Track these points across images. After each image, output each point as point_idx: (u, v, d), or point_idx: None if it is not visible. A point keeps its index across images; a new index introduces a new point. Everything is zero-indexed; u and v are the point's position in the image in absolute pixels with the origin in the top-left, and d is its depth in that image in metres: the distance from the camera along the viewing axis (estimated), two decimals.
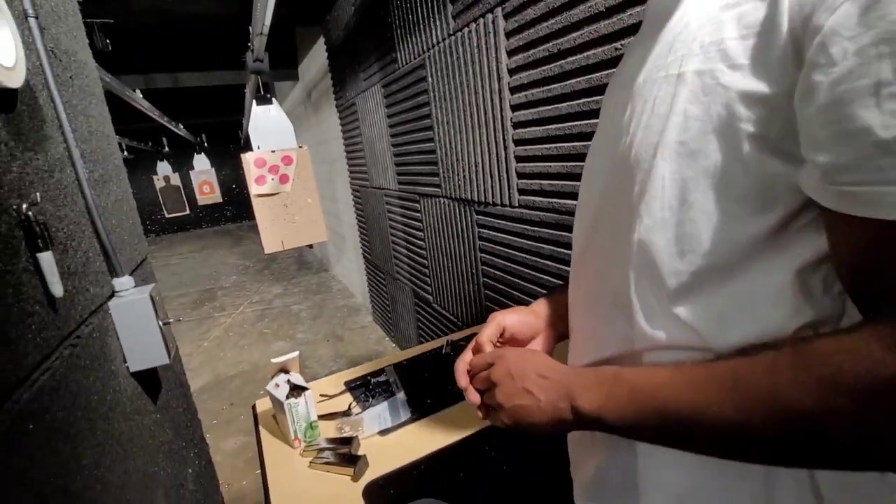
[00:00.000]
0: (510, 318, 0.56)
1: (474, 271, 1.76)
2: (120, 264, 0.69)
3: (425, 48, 1.74)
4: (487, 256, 1.64)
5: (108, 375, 0.60)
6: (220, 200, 8.82)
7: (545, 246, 1.31)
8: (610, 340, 0.43)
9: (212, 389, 2.97)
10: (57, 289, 0.47)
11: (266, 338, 3.73)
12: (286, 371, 0.98)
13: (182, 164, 9.29)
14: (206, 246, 9.02)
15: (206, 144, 8.67)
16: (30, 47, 0.57)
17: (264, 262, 6.72)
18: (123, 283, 0.69)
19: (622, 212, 0.39)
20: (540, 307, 0.60)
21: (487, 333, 0.55)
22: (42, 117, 0.56)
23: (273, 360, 0.94)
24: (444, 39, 1.59)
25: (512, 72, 1.29)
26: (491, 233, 1.58)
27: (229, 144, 10.36)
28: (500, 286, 1.59)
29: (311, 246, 6.85)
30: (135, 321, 0.67)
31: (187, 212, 8.79)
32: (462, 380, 0.51)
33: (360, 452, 0.87)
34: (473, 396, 0.49)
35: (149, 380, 0.76)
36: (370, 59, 2.36)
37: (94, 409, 0.53)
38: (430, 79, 1.76)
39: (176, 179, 8.49)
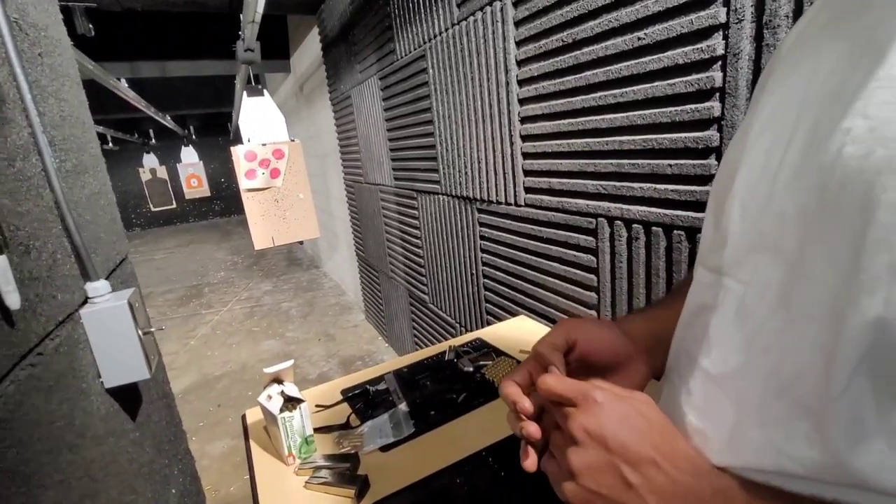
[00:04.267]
0: (588, 332, 0.40)
1: (474, 272, 1.69)
2: (94, 266, 0.61)
3: (426, 38, 1.67)
4: (489, 257, 1.58)
5: (77, 395, 0.53)
6: (209, 194, 8.66)
7: (553, 247, 1.25)
8: (769, 452, 0.26)
9: (198, 390, 2.88)
10: (12, 299, 0.39)
11: (255, 336, 3.64)
12: (279, 381, 0.90)
13: (169, 156, 9.09)
14: (193, 240, 8.85)
15: (193, 137, 8.49)
16: None
17: (253, 258, 6.59)
18: (98, 287, 0.61)
19: (827, 260, 0.24)
20: (632, 324, 0.43)
21: (553, 341, 0.39)
22: (1, 97, 0.48)
23: (265, 370, 0.87)
24: (446, 29, 1.52)
25: (521, 63, 1.22)
26: (494, 232, 1.51)
27: (218, 137, 10.17)
28: (503, 288, 1.53)
29: (301, 242, 6.74)
30: (111, 331, 0.59)
31: (174, 205, 8.62)
32: (519, 399, 0.36)
33: (360, 471, 0.81)
34: (532, 429, 0.35)
35: (127, 395, 0.69)
36: (367, 51, 2.27)
37: (57, 438, 0.45)
38: (430, 71, 1.69)
39: (163, 172, 8.31)
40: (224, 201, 11.58)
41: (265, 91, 2.73)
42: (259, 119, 2.71)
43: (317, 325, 3.72)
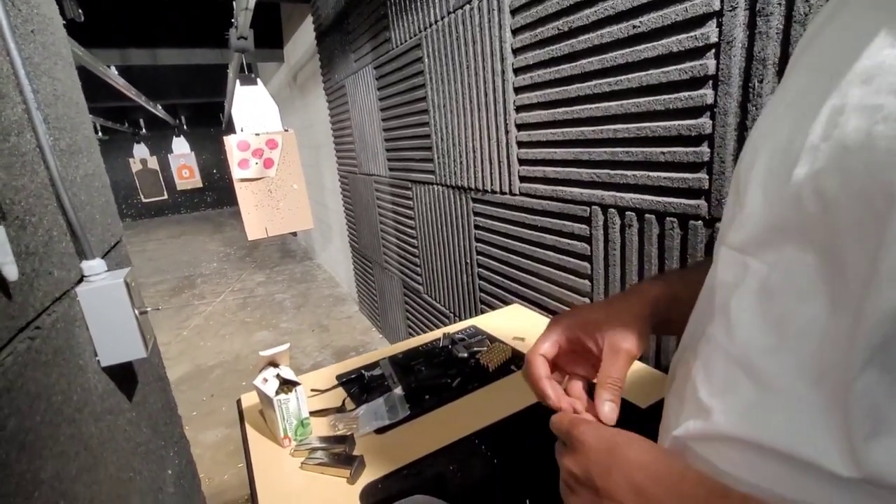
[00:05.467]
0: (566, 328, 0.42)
1: (468, 261, 1.70)
2: (90, 245, 0.61)
3: (422, 27, 1.66)
4: (483, 246, 1.58)
5: (75, 371, 0.53)
6: (201, 185, 8.55)
7: (547, 236, 1.26)
8: (792, 435, 0.26)
9: (191, 380, 2.88)
10: (10, 271, 0.40)
11: (248, 327, 3.63)
12: (275, 364, 0.91)
13: (160, 146, 8.98)
14: (184, 232, 8.78)
15: (185, 127, 8.39)
16: None
17: (246, 249, 6.56)
18: (94, 266, 0.61)
19: (860, 247, 0.23)
20: (636, 298, 0.43)
21: (622, 372, 0.39)
22: None
23: (261, 353, 0.87)
24: (442, 18, 1.52)
25: (516, 52, 1.22)
26: (488, 221, 1.52)
27: (210, 127, 10.07)
28: (497, 277, 1.54)
29: (295, 234, 6.72)
30: (107, 310, 0.59)
31: (165, 197, 8.51)
32: (548, 390, 0.40)
33: (356, 452, 0.82)
34: (562, 405, 0.39)
35: (123, 375, 0.69)
36: (362, 40, 2.26)
37: (56, 412, 0.46)
38: (426, 59, 1.68)
39: (153, 163, 8.19)
40: (216, 193, 11.49)
41: (258, 80, 2.70)
42: (252, 108, 2.68)
43: (310, 317, 3.72)
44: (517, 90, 1.25)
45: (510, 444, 0.82)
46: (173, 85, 5.46)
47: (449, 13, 1.47)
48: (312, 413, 0.92)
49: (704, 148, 0.81)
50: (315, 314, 3.76)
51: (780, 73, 0.69)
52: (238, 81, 2.65)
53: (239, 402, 1.03)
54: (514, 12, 1.20)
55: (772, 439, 0.26)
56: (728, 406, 0.29)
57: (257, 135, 2.61)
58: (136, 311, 0.63)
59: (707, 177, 0.82)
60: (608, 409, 0.36)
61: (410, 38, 1.77)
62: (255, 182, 2.67)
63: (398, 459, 0.79)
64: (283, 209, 2.76)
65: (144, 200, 8.38)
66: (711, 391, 0.30)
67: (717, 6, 0.75)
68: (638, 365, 1.00)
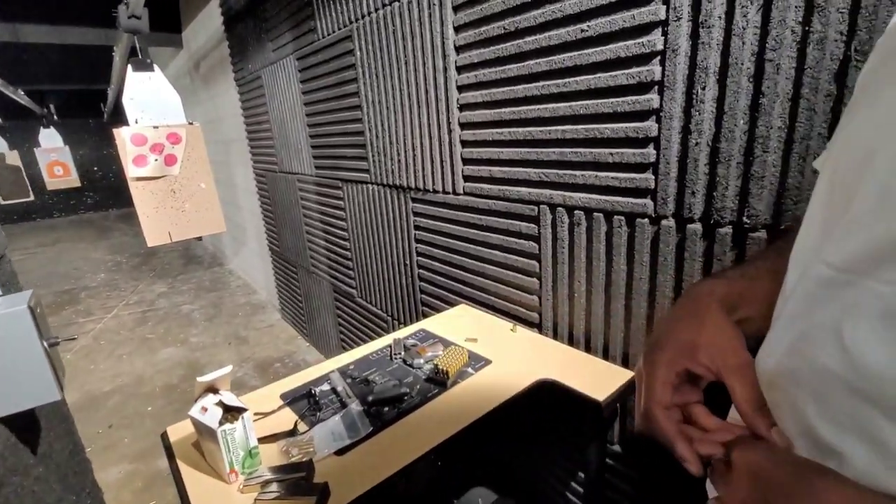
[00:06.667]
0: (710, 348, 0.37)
1: (408, 262, 1.66)
2: None
3: (353, 18, 1.58)
4: (424, 247, 1.55)
5: None
6: (78, 185, 7.42)
7: (493, 235, 1.26)
8: None
9: (82, 410, 2.48)
10: None
11: (151, 344, 3.23)
12: (215, 390, 0.80)
13: (23, 139, 7.68)
14: (60, 239, 7.60)
15: (55, 117, 7.24)
16: None
17: (141, 256, 5.85)
18: None
19: None
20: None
21: (762, 407, 0.34)
22: None
23: (199, 380, 0.76)
24: (376, 10, 1.45)
25: (460, 49, 1.20)
26: (429, 221, 1.49)
27: (89, 118, 8.82)
28: (439, 278, 1.52)
29: (200, 238, 6.12)
30: (5, 346, 0.46)
31: (31, 198, 7.25)
32: (682, 447, 0.35)
33: (317, 479, 0.74)
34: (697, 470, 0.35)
35: (24, 423, 0.55)
36: (281, 28, 2.10)
37: None
38: (358, 52, 1.60)
39: (14, 158, 6.93)
40: (98, 193, 10.10)
41: (155, 66, 2.40)
42: (149, 97, 2.37)
43: (225, 328, 3.40)
44: (461, 88, 1.23)
45: (484, 448, 0.80)
46: (40, 67, 4.69)
47: (384, 5, 1.41)
48: (260, 440, 0.82)
49: (651, 150, 0.86)
50: (231, 325, 3.45)
51: (720, 81, 0.75)
52: (130, 66, 2.32)
53: (165, 435, 0.89)
54: (456, 8, 1.18)
55: None
56: (867, 452, 0.25)
57: (156, 128, 2.31)
58: (45, 343, 0.50)
59: (653, 177, 0.87)
60: (776, 433, 0.32)
61: (339, 28, 1.67)
62: (155, 181, 2.37)
63: (367, 480, 0.74)
64: (190, 211, 2.47)
65: (4, 202, 7.08)
66: (836, 430, 0.27)
67: (662, 16, 0.79)
68: (584, 356, 1.04)
